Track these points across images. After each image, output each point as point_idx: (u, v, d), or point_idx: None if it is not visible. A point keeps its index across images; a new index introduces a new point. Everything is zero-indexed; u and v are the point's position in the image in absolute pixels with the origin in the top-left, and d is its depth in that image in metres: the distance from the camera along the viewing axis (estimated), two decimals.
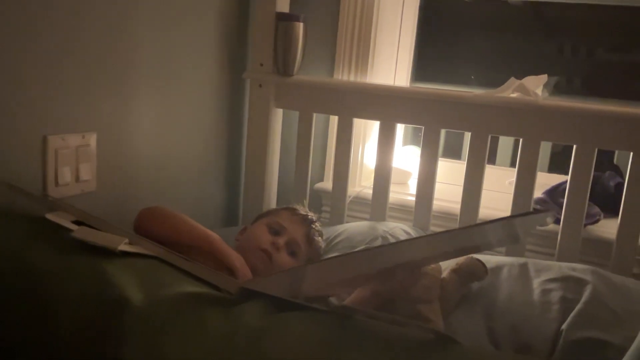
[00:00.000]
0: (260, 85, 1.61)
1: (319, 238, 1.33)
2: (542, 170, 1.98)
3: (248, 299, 0.82)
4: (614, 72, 2.36)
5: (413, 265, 1.07)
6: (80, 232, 0.88)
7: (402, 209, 1.66)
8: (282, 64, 1.57)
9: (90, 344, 0.74)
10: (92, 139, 1.25)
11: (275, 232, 1.26)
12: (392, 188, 1.63)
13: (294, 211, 1.34)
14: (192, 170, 1.59)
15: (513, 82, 1.37)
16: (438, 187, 1.56)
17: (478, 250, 1.16)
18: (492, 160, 2.01)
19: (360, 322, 0.80)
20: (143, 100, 1.38)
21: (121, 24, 1.28)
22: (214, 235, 1.12)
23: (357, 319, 0.80)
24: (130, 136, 1.36)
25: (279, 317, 0.78)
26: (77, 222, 0.95)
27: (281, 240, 1.23)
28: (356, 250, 1.13)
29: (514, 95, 1.39)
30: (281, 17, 1.55)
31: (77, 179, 1.22)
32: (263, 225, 1.29)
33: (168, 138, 1.48)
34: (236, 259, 1.08)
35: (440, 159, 1.69)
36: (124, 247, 0.86)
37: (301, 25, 1.54)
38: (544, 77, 1.38)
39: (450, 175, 1.83)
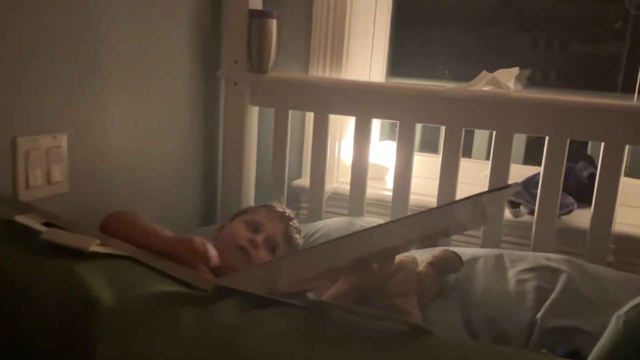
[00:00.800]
0: (235, 83, 1.60)
1: (297, 235, 1.33)
2: (517, 162, 2.01)
3: (223, 297, 0.81)
4: (588, 64, 2.40)
5: (387, 253, 1.07)
6: (51, 234, 0.87)
7: (380, 204, 1.67)
8: (257, 61, 1.56)
9: (61, 346, 0.73)
10: (63, 140, 1.23)
11: (253, 229, 1.25)
12: (370, 183, 1.63)
13: (271, 208, 1.34)
14: (167, 170, 1.57)
15: (485, 75, 1.39)
16: (415, 181, 1.56)
17: (449, 233, 1.15)
18: (468, 154, 2.02)
19: (335, 317, 0.79)
20: (115, 100, 1.36)
21: (91, 22, 1.26)
22: (153, 230, 1.05)
23: (333, 313, 0.80)
24: (103, 136, 1.34)
25: (254, 314, 0.77)
26: (48, 224, 0.94)
27: (259, 238, 1.23)
28: (328, 241, 1.14)
29: (486, 88, 1.40)
30: (254, 14, 1.54)
31: (48, 180, 1.20)
32: (241, 222, 1.28)
33: (142, 138, 1.46)
34: (174, 244, 1.00)
35: (417, 153, 1.69)
36: (95, 247, 0.85)
37: (274, 21, 1.54)
38: (515, 70, 1.40)
39: (427, 170, 1.83)
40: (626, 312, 0.94)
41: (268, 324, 0.75)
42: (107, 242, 0.88)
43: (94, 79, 1.29)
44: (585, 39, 2.41)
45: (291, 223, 1.31)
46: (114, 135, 1.37)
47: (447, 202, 0.98)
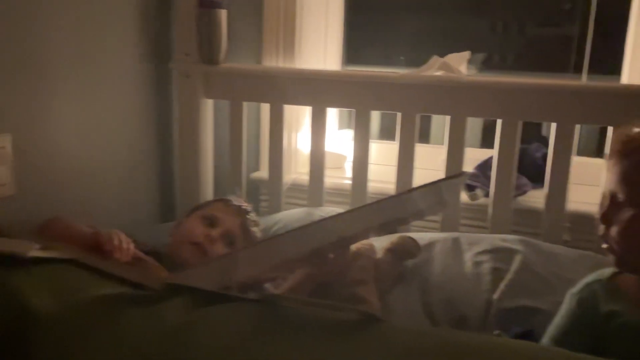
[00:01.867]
0: (187, 76, 1.56)
1: (255, 228, 1.32)
2: (474, 146, 2.03)
3: (173, 295, 0.80)
4: (545, 46, 2.43)
5: (343, 243, 1.07)
6: None
7: (339, 193, 1.66)
8: (208, 53, 1.53)
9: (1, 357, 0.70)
10: (7, 141, 1.19)
11: (209, 224, 1.23)
12: (329, 173, 1.62)
13: (227, 202, 1.32)
14: (121, 167, 1.53)
15: (436, 60, 1.39)
16: (376, 169, 1.56)
17: (406, 221, 1.14)
18: (426, 139, 2.03)
19: (288, 309, 0.79)
20: (61, 97, 1.32)
21: (31, 18, 1.21)
22: (78, 230, 1.05)
23: (285, 306, 0.79)
24: (50, 135, 1.30)
25: (203, 311, 0.76)
26: None
27: (216, 232, 1.21)
28: (283, 232, 1.12)
29: (439, 73, 1.40)
30: (203, 4, 1.50)
31: None
32: (196, 218, 1.26)
33: (92, 135, 1.42)
34: (86, 240, 1.00)
35: (376, 141, 1.69)
36: (35, 252, 0.81)
37: (224, 11, 1.51)
38: (466, 54, 1.40)
39: (387, 157, 1.83)
40: (579, 290, 0.96)
41: (217, 321, 0.74)
42: (48, 245, 0.85)
43: (37, 76, 1.25)
44: (541, 21, 2.45)
45: (248, 216, 1.30)
46: (61, 134, 1.33)
47: (400, 192, 0.98)
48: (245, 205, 1.33)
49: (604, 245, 0.91)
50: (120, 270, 0.85)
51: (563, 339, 0.93)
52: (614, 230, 0.89)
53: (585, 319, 0.92)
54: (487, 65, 2.19)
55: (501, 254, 1.23)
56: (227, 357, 0.69)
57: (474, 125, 2.08)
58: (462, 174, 1.08)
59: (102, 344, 0.70)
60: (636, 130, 0.91)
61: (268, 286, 1.20)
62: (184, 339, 0.70)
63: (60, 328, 0.71)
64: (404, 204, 0.99)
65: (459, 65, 1.38)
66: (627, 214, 0.87)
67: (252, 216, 1.32)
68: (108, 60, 1.45)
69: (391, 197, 0.98)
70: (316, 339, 0.72)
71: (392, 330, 0.73)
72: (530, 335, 1.00)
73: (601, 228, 0.91)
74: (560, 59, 2.28)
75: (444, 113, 1.44)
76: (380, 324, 0.74)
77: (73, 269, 0.83)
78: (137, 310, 0.75)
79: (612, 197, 0.89)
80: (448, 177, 1.01)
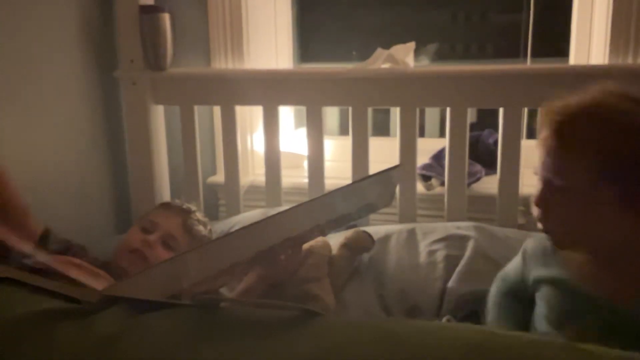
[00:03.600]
0: (134, 83, 1.54)
1: (201, 227, 1.29)
2: (433, 136, 2.03)
3: (109, 307, 0.78)
4: (506, 33, 2.44)
5: (295, 242, 1.05)
6: None
7: (299, 192, 1.65)
8: (153, 59, 1.51)
9: None
10: None
11: (148, 230, 1.21)
12: (289, 172, 1.61)
13: (167, 205, 1.32)
14: (71, 180, 1.51)
15: (381, 52, 1.38)
16: (337, 166, 1.55)
17: (355, 215, 1.13)
18: (386, 132, 2.03)
19: (226, 312, 0.77)
20: (4, 110, 1.29)
21: None
22: None
23: (224, 309, 0.78)
24: None
25: (138, 320, 0.74)
26: None
27: (153, 237, 1.19)
28: (226, 235, 1.10)
29: (385, 66, 1.40)
30: (145, 9, 1.49)
31: None
32: (135, 227, 1.25)
33: (37, 149, 1.40)
34: None
35: (336, 137, 1.67)
36: None
37: (167, 15, 1.49)
38: (411, 45, 1.40)
39: (348, 153, 1.83)
40: (532, 240, 0.97)
41: (151, 328, 0.72)
42: None
43: None
44: (504, 9, 2.45)
45: (191, 215, 1.28)
46: (7, 149, 1.30)
47: (336, 188, 0.97)
48: (188, 206, 1.31)
49: (541, 227, 0.91)
50: (54, 285, 0.83)
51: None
52: (553, 214, 0.88)
53: (525, 270, 0.97)
54: (441, 55, 2.19)
55: (454, 242, 1.23)
56: None
57: (432, 116, 2.09)
58: (396, 166, 1.08)
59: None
60: (569, 110, 0.90)
61: (223, 291, 1.19)
62: (114, 350, 0.69)
63: None
64: (341, 200, 0.98)
65: (405, 56, 1.38)
66: (565, 197, 0.86)
67: (197, 215, 1.30)
68: (52, 71, 1.43)
69: (329, 193, 0.97)
70: (251, 340, 0.70)
71: (326, 324, 0.72)
72: (473, 316, 1.01)
73: (538, 211, 0.91)
74: (516, 45, 2.29)
75: (394, 105, 1.44)
76: (317, 319, 0.74)
77: (3, 287, 0.80)
78: (69, 324, 0.73)
79: (546, 179, 0.89)
80: (386, 169, 1.00)
